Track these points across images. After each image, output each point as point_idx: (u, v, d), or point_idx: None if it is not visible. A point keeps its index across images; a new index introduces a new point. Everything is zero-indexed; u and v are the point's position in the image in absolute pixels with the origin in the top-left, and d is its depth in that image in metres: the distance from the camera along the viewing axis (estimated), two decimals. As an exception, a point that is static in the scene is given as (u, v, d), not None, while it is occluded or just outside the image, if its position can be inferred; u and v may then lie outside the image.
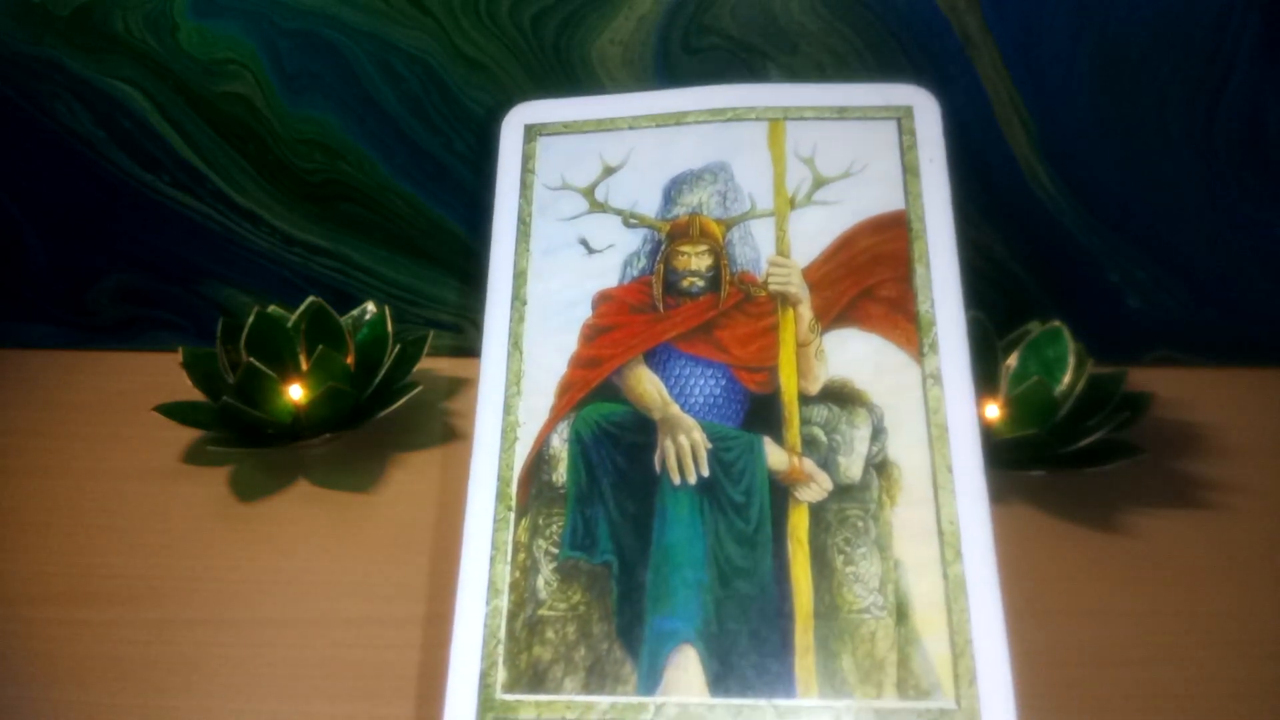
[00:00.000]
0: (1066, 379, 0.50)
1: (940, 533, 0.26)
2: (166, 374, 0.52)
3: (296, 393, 0.52)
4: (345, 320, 0.55)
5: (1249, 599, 0.44)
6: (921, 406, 0.27)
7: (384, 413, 0.51)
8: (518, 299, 0.31)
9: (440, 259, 0.59)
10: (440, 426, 0.55)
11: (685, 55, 0.51)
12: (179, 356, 0.52)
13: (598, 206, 0.32)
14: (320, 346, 0.51)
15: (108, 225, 0.59)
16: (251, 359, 0.50)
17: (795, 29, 0.50)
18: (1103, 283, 0.57)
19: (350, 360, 0.54)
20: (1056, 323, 0.51)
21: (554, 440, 0.29)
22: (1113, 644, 0.42)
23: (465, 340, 0.61)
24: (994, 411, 0.50)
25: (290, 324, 0.54)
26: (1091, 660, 0.41)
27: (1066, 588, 0.44)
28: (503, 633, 0.27)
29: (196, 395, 0.51)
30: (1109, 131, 0.52)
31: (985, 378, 0.51)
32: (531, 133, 0.34)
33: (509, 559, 0.27)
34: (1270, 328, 0.57)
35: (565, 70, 0.51)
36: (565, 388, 0.29)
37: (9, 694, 0.41)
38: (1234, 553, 0.46)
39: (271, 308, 0.54)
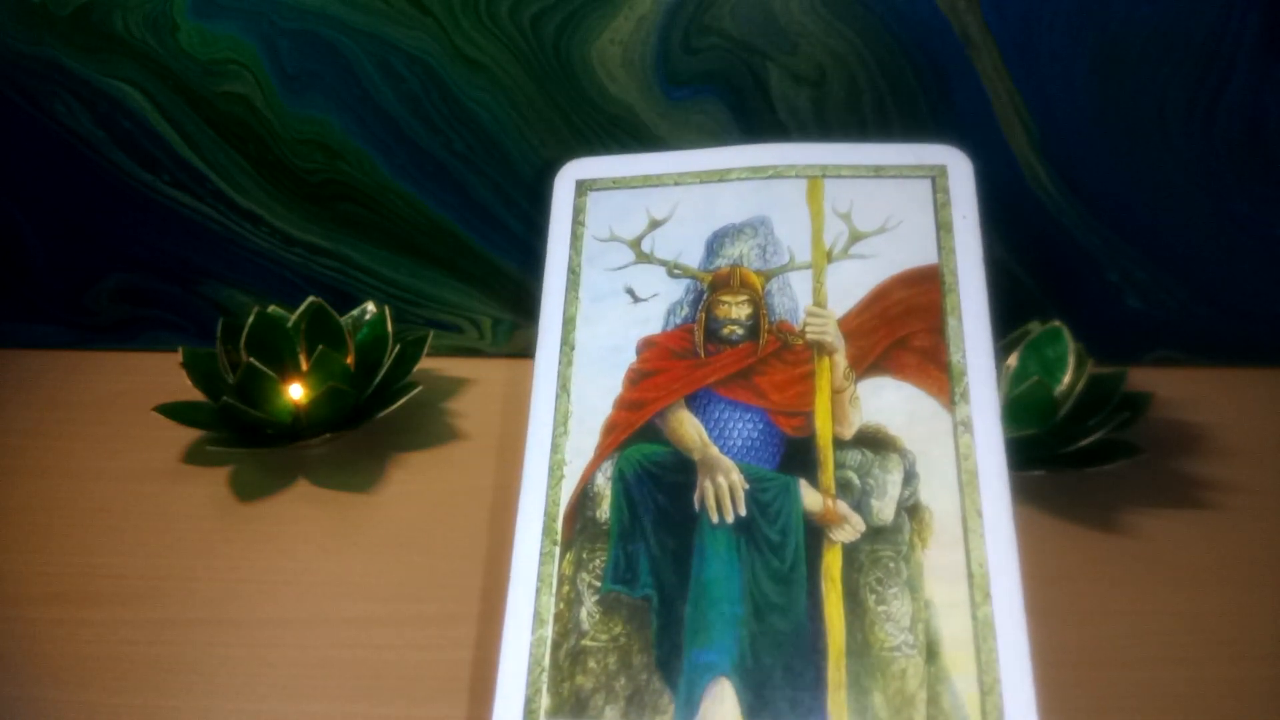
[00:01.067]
0: (1066, 379, 0.50)
1: (970, 575, 0.27)
2: (166, 374, 0.52)
3: (296, 393, 0.52)
4: (345, 320, 0.55)
5: (1249, 599, 0.44)
6: (953, 453, 0.29)
7: (384, 413, 0.51)
8: (566, 344, 0.32)
9: (440, 259, 0.59)
10: (440, 427, 0.55)
11: (685, 55, 0.51)
12: (179, 356, 0.52)
13: (644, 258, 0.34)
14: (320, 346, 0.51)
15: (107, 225, 0.59)
16: (251, 359, 0.50)
17: (795, 29, 0.50)
18: (1102, 283, 0.57)
19: (350, 360, 0.54)
20: (1056, 323, 0.51)
21: (598, 478, 0.30)
22: (1112, 644, 0.42)
23: (465, 340, 0.61)
24: (994, 411, 0.50)
25: (290, 324, 0.54)
26: (1091, 660, 0.41)
27: (1066, 588, 0.44)
28: (547, 661, 0.28)
29: (196, 395, 0.51)
30: (1109, 131, 0.52)
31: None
32: (582, 188, 0.36)
33: (554, 591, 0.29)
34: (1270, 328, 0.57)
35: (565, 70, 0.52)
36: (610, 428, 0.30)
37: (9, 693, 0.41)
38: (1234, 553, 0.46)
39: (271, 308, 0.54)
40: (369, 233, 0.58)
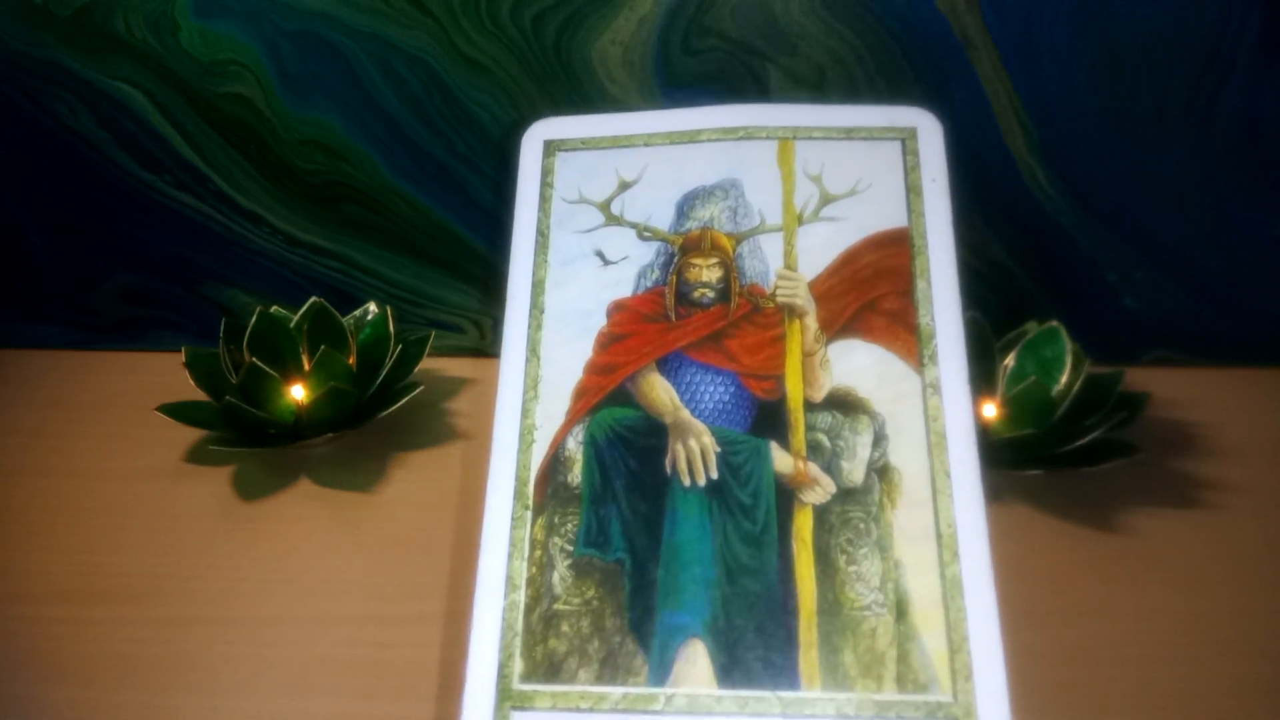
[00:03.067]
0: (1064, 379, 0.50)
1: (939, 534, 0.27)
2: (169, 374, 0.52)
3: (299, 393, 0.52)
4: (347, 320, 0.55)
5: (1248, 599, 0.44)
6: (921, 414, 0.29)
7: (386, 413, 0.52)
8: (536, 307, 0.32)
9: (442, 259, 0.59)
10: (442, 427, 0.55)
11: (685, 56, 0.51)
12: (181, 356, 0.52)
13: (613, 220, 0.33)
14: (322, 347, 0.51)
15: (110, 226, 0.59)
16: (254, 359, 0.50)
17: (795, 30, 0.50)
18: (1100, 283, 0.57)
19: (352, 360, 0.54)
20: (1054, 323, 0.51)
21: (569, 443, 0.30)
22: (1111, 644, 0.42)
23: (467, 340, 0.62)
24: (991, 411, 0.50)
25: (292, 324, 0.54)
26: (1090, 660, 0.41)
27: (1064, 588, 0.44)
28: (520, 626, 0.28)
29: (199, 395, 0.52)
30: (1108, 132, 0.52)
31: (983, 378, 0.51)
32: (550, 148, 0.35)
33: (526, 555, 0.29)
34: (1268, 328, 0.57)
35: (566, 71, 0.52)
36: (580, 393, 0.30)
37: (12, 692, 0.41)
38: (1232, 553, 0.46)
39: (274, 308, 0.54)
40: (371, 233, 0.58)
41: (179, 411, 0.51)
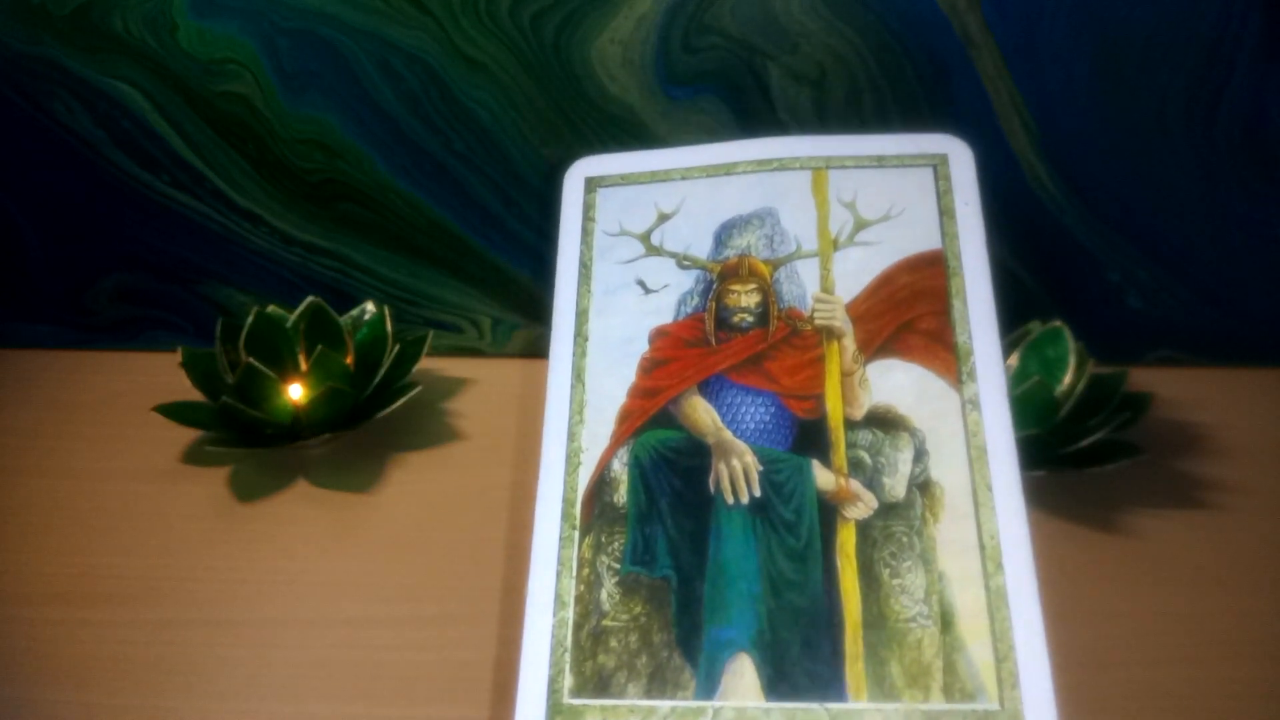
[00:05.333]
0: (1067, 379, 0.50)
1: (982, 546, 0.28)
2: (166, 374, 0.52)
3: (296, 393, 0.52)
4: (344, 320, 0.55)
5: (1249, 599, 0.44)
6: (961, 430, 0.30)
7: (383, 413, 0.51)
8: (580, 335, 0.33)
9: (440, 259, 0.59)
10: (440, 427, 0.55)
11: (685, 55, 0.50)
12: (178, 356, 0.52)
13: (653, 250, 0.35)
14: (319, 346, 0.51)
15: (107, 225, 0.59)
16: (251, 359, 0.50)
17: (796, 29, 0.50)
18: (1103, 282, 0.56)
19: (349, 360, 0.54)
20: (1057, 322, 0.51)
21: (615, 464, 0.31)
22: (1112, 644, 0.41)
23: (465, 340, 0.61)
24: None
25: (289, 324, 0.54)
26: (1091, 660, 0.41)
27: (1067, 588, 0.44)
28: (569, 642, 0.28)
29: (196, 395, 0.51)
30: (1110, 131, 0.52)
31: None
32: (592, 184, 0.37)
33: (574, 574, 0.30)
34: (1270, 328, 0.57)
35: (565, 70, 0.51)
36: (625, 416, 0.32)
37: (9, 694, 0.41)
38: (1234, 553, 0.46)
39: (271, 307, 0.54)
40: (368, 232, 0.58)
41: (175, 412, 0.51)
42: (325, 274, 0.60)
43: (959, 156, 0.35)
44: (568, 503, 0.30)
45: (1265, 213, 0.53)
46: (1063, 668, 0.40)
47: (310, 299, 0.54)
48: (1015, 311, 0.54)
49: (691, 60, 0.51)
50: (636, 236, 0.34)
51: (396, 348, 0.53)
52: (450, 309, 0.60)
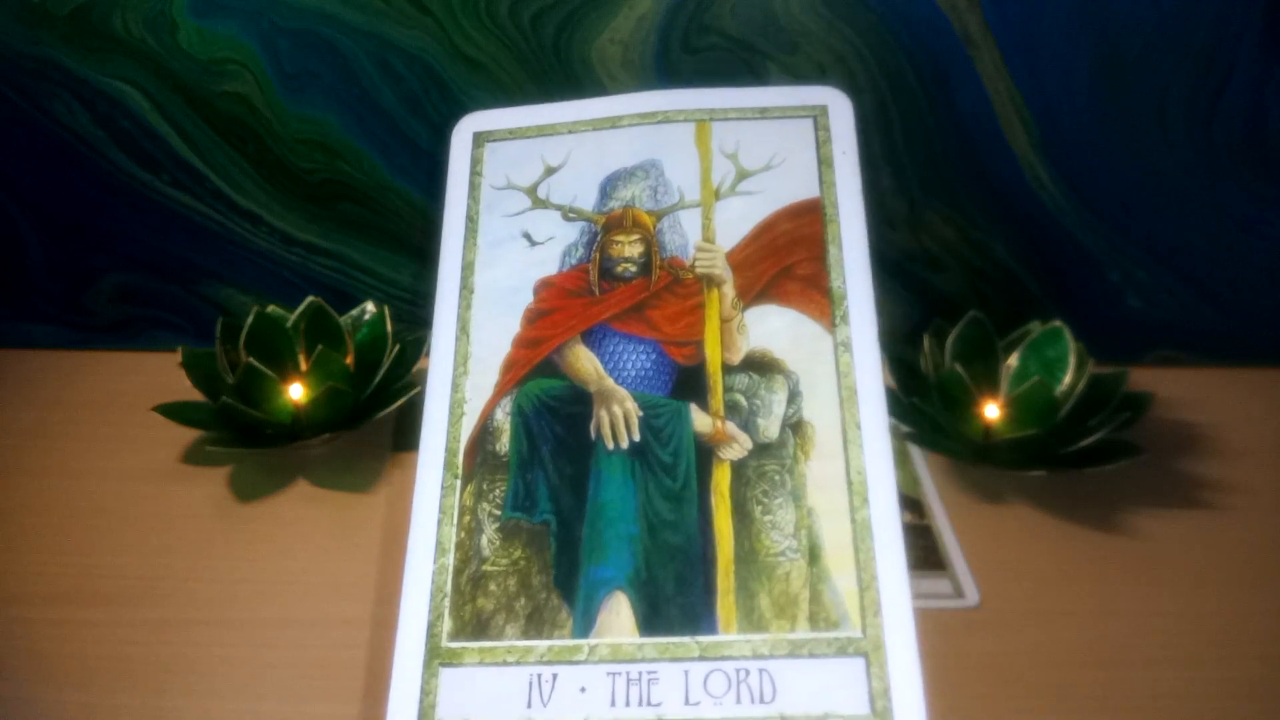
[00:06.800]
0: (1067, 379, 0.50)
1: (849, 482, 0.29)
2: (165, 374, 0.52)
3: (296, 392, 0.52)
4: (344, 320, 0.55)
5: (1249, 599, 0.43)
6: (833, 371, 0.30)
7: (383, 413, 0.51)
8: (465, 288, 0.34)
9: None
10: (440, 426, 0.55)
11: (685, 55, 0.50)
12: (178, 356, 0.52)
13: (539, 203, 0.35)
14: (319, 346, 0.51)
15: (107, 225, 0.59)
16: (251, 359, 0.50)
17: (796, 28, 0.50)
18: (1103, 282, 0.56)
19: (349, 360, 0.54)
20: (1057, 322, 0.51)
21: (498, 414, 0.31)
22: (1114, 645, 0.41)
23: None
24: (994, 412, 0.50)
25: (289, 324, 0.54)
26: (1091, 660, 0.41)
27: (1066, 588, 0.44)
28: (449, 587, 0.29)
29: (196, 395, 0.51)
30: (1109, 131, 0.52)
31: (986, 377, 0.51)
32: (480, 139, 0.37)
33: (455, 521, 0.30)
34: (1270, 328, 0.57)
35: (565, 69, 0.51)
36: (509, 366, 0.33)
37: (9, 694, 0.41)
38: (1234, 553, 0.46)
39: (271, 307, 0.54)
40: (368, 232, 0.58)
41: (175, 412, 0.51)
42: (325, 274, 0.60)
43: (838, 107, 0.36)
44: (450, 452, 0.31)
45: (1265, 212, 0.53)
46: (1063, 667, 0.40)
47: (310, 299, 0.54)
48: (1015, 311, 0.54)
49: (691, 60, 0.51)
50: (523, 190, 0.35)
51: (396, 348, 0.53)
52: (450, 309, 0.60)
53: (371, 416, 0.52)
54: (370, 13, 0.51)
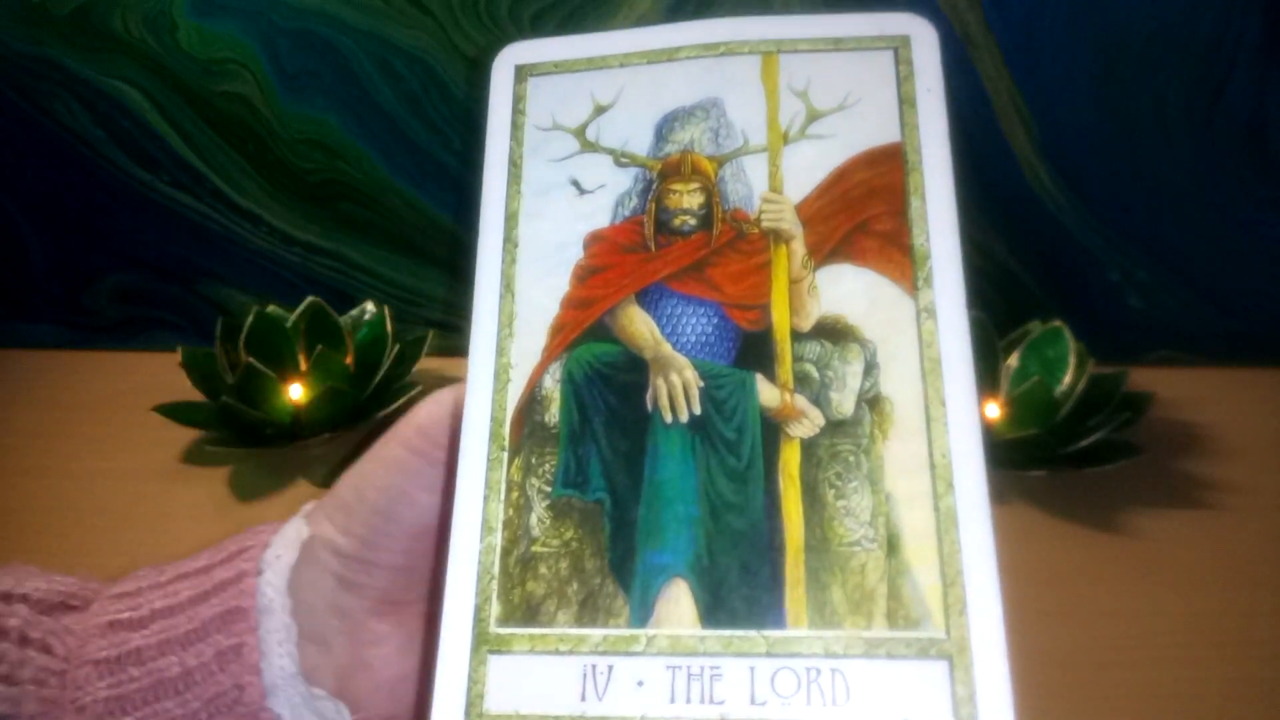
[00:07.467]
0: (1067, 379, 0.50)
1: (932, 465, 0.26)
2: (165, 374, 0.52)
3: (296, 393, 0.52)
4: (344, 320, 0.55)
5: (1249, 599, 0.43)
6: (915, 340, 0.27)
7: (383, 413, 0.51)
8: (509, 241, 0.31)
9: (439, 259, 0.59)
10: (440, 426, 0.55)
11: (685, 55, 0.50)
12: (178, 356, 0.52)
13: (589, 146, 0.32)
14: (319, 346, 0.51)
15: (106, 225, 0.59)
16: (251, 359, 0.50)
17: (795, 28, 0.49)
18: (1103, 282, 0.56)
19: (349, 360, 0.53)
20: (1057, 322, 0.51)
21: (546, 381, 0.28)
22: (1114, 645, 0.41)
23: (465, 340, 0.61)
24: (994, 411, 0.50)
25: (289, 324, 0.54)
26: (1091, 660, 0.41)
27: (1066, 588, 0.44)
28: (496, 569, 0.27)
29: (195, 395, 0.51)
30: (1110, 131, 0.52)
31: (986, 378, 0.51)
32: (522, 73, 0.33)
33: (502, 497, 0.28)
34: (1270, 328, 0.57)
35: (565, 70, 0.51)
36: (558, 329, 0.29)
37: (8, 695, 0.41)
38: (1234, 553, 0.46)
39: (270, 307, 0.54)
40: (368, 232, 0.58)
41: (175, 412, 0.51)
42: (325, 274, 0.60)
43: (922, 38, 0.32)
44: (496, 422, 0.28)
45: (1265, 213, 0.53)
46: (1063, 667, 0.40)
47: (310, 299, 0.54)
48: (1015, 311, 0.54)
49: (691, 60, 0.51)
50: (570, 131, 0.31)
51: (396, 348, 0.53)
52: (450, 309, 0.60)
53: (371, 416, 0.52)
54: (370, 13, 0.51)
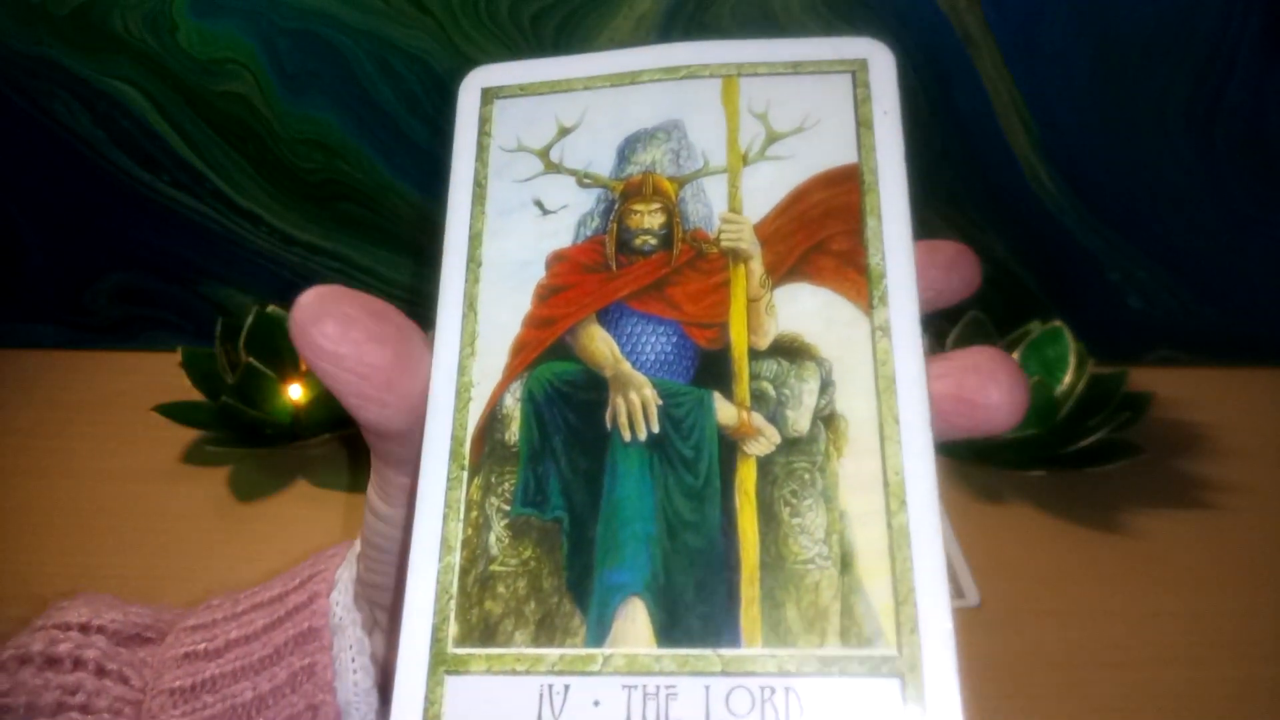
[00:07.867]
0: (1067, 379, 0.50)
1: (886, 483, 0.26)
2: (165, 374, 0.52)
3: (296, 393, 0.52)
4: (345, 320, 0.55)
5: (1249, 599, 0.43)
6: (870, 359, 0.28)
7: (383, 413, 0.51)
8: (473, 261, 0.31)
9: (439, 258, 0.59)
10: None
11: (685, 55, 0.50)
12: (178, 356, 0.52)
13: (552, 167, 0.32)
14: (320, 346, 0.51)
15: (106, 225, 0.59)
16: (251, 359, 0.50)
17: (795, 28, 0.50)
18: (1103, 282, 0.56)
19: (350, 360, 0.53)
20: (1057, 323, 0.51)
21: (507, 400, 0.29)
22: (1114, 645, 0.41)
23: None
24: (994, 411, 0.49)
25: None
26: (1092, 660, 0.41)
27: (1066, 588, 0.44)
28: (455, 588, 0.27)
29: (196, 395, 0.51)
30: (1109, 131, 0.52)
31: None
32: (489, 96, 0.33)
33: (461, 517, 0.28)
34: (1270, 328, 0.57)
35: (565, 70, 0.51)
36: (519, 348, 0.30)
37: (8, 695, 0.41)
38: (1234, 553, 0.46)
39: (271, 307, 0.54)
40: (368, 232, 0.58)
41: (175, 412, 0.51)
42: (325, 273, 0.60)
43: (880, 61, 0.32)
44: (456, 441, 0.28)
45: (1265, 212, 0.53)
46: (1063, 667, 0.40)
47: (310, 299, 0.54)
48: (1015, 311, 0.54)
49: (691, 60, 0.51)
50: (535, 152, 0.31)
51: (396, 348, 0.53)
52: (450, 309, 0.60)
53: (371, 416, 0.52)
54: (370, 13, 0.51)
